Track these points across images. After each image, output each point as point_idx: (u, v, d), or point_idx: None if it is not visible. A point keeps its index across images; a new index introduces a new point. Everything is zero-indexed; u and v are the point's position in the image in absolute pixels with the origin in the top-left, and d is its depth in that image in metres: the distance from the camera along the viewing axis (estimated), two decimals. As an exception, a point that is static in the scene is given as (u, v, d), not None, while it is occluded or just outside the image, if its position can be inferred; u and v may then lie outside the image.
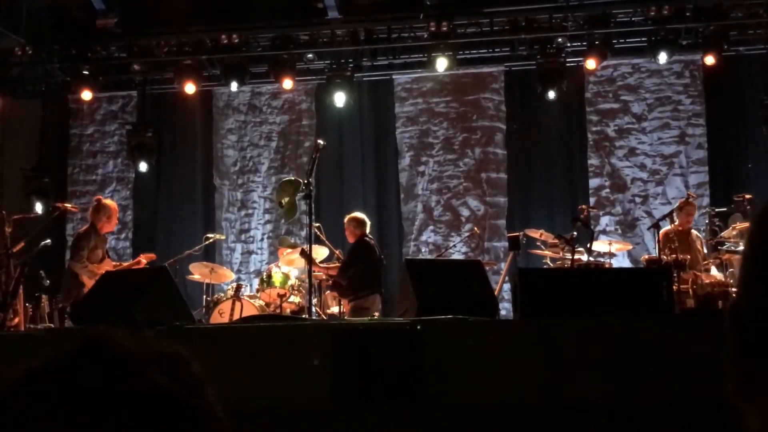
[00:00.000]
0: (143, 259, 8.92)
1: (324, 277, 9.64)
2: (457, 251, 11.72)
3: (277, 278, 9.72)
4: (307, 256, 8.46)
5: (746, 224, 9.00)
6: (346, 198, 12.26)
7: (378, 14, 11.79)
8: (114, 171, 13.13)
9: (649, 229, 10.38)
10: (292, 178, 9.79)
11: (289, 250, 10.16)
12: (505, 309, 9.97)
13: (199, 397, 0.80)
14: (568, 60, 11.58)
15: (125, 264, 9.20)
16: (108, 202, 9.11)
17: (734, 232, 8.89)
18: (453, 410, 5.26)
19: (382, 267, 9.42)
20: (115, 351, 0.81)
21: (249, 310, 9.25)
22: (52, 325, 9.00)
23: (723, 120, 11.84)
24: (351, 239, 9.44)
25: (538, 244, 9.60)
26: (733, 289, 7.91)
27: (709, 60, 11.23)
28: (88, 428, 0.74)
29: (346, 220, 9.57)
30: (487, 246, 12.07)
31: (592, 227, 9.70)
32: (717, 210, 9.84)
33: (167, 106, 12.99)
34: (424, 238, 12.28)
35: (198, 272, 10.05)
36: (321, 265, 9.56)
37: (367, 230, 9.44)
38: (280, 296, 9.53)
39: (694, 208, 9.44)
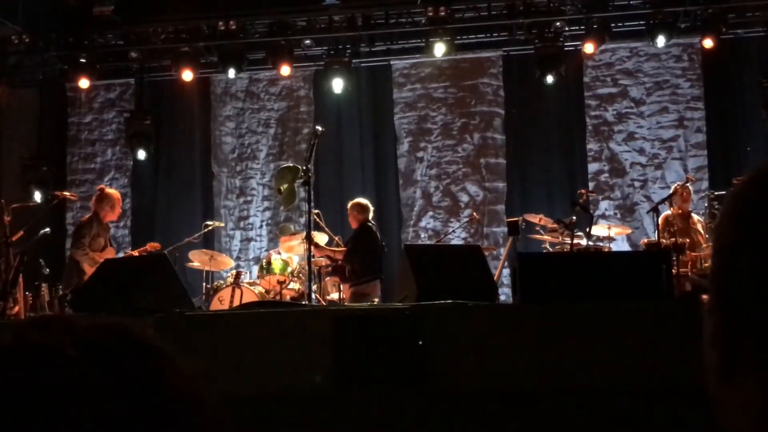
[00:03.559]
0: (149, 249, 9.00)
1: (324, 263, 9.66)
2: (456, 237, 11.72)
3: (276, 265, 9.73)
4: (311, 241, 8.45)
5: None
6: (344, 184, 12.25)
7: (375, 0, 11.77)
8: (112, 159, 13.11)
9: (648, 213, 10.38)
10: (291, 165, 9.81)
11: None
12: (505, 294, 9.98)
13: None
14: (566, 44, 11.56)
15: (134, 252, 9.32)
16: (111, 191, 9.18)
17: (733, 216, 8.87)
18: (452, 394, 5.27)
19: (383, 253, 9.45)
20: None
21: (249, 297, 9.27)
22: (52, 314, 9.01)
23: (722, 103, 11.82)
24: (354, 224, 9.46)
25: (537, 228, 9.61)
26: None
27: (708, 43, 11.20)
28: None
29: (349, 205, 9.60)
30: (486, 231, 12.07)
31: (591, 212, 9.70)
32: (716, 193, 9.83)
33: (165, 94, 12.97)
34: (423, 223, 12.28)
35: (197, 260, 10.06)
36: (327, 248, 9.56)
37: (370, 216, 9.46)
38: (280, 283, 9.54)
39: (689, 192, 9.44)
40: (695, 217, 9.43)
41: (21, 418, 0.74)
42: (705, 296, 1.01)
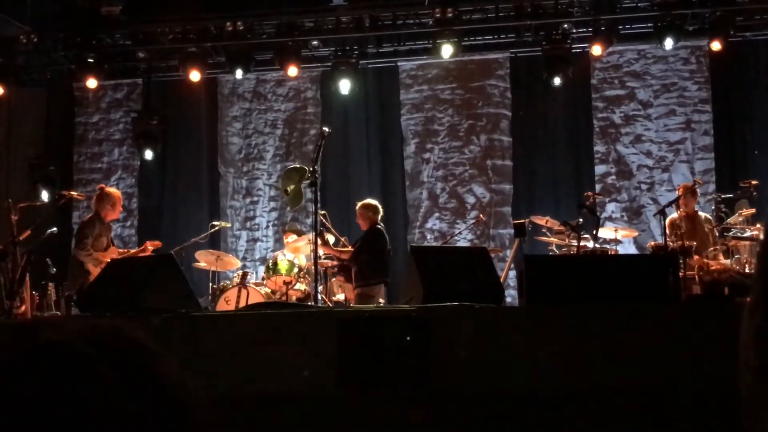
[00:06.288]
0: (149, 246, 8.93)
1: (330, 264, 9.65)
2: (463, 238, 11.71)
3: (282, 266, 9.73)
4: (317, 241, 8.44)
5: (752, 210, 8.99)
6: (351, 185, 12.26)
7: (383, 1, 11.76)
8: (119, 159, 13.14)
9: (654, 215, 10.36)
10: (298, 166, 9.79)
11: (295, 237, 10.18)
12: (511, 296, 9.97)
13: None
14: (573, 46, 11.53)
15: (131, 251, 9.23)
16: (111, 190, 9.12)
17: (740, 219, 8.87)
18: (458, 397, 5.27)
19: (390, 256, 9.44)
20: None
21: (255, 298, 9.27)
22: (58, 313, 9.02)
23: (729, 106, 11.80)
24: (363, 226, 9.44)
25: (544, 231, 9.59)
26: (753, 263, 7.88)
27: (716, 46, 11.17)
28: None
29: (359, 206, 9.57)
30: (492, 233, 12.07)
31: (597, 214, 9.68)
32: (723, 196, 9.80)
33: (172, 94, 12.98)
34: (429, 225, 12.28)
35: (204, 260, 10.06)
36: (333, 248, 9.55)
37: (380, 218, 9.45)
38: (286, 284, 9.54)
39: (694, 192, 9.40)
40: (703, 216, 9.37)
41: (49, 414, 0.75)
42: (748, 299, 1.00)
